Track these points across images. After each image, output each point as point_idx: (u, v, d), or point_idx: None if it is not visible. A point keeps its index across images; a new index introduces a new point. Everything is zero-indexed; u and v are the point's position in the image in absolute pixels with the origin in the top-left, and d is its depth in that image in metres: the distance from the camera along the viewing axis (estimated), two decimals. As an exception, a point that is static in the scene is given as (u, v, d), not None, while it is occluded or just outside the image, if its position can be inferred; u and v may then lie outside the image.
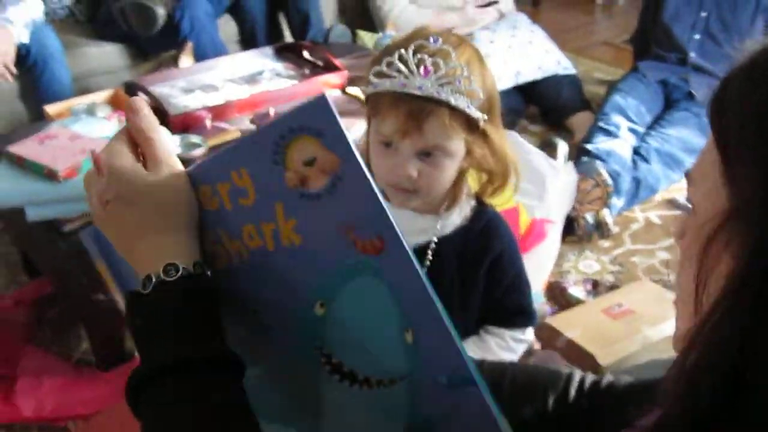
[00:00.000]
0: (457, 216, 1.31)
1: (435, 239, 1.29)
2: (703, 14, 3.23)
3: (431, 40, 1.15)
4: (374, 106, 1.20)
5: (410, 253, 0.69)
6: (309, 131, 0.67)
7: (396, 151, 1.18)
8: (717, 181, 0.61)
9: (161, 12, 3.03)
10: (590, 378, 0.99)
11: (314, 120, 0.67)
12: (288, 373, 0.80)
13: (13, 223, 2.38)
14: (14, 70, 2.83)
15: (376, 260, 0.69)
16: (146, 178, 0.71)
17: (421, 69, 1.12)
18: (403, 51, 1.14)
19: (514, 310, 1.38)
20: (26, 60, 2.94)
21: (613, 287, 2.43)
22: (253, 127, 2.38)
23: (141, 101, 0.74)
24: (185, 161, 2.26)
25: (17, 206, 1.95)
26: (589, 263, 2.61)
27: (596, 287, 2.40)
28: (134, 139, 0.73)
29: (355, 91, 2.63)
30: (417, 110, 1.14)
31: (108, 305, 2.07)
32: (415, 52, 1.13)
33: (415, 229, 1.30)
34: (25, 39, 2.88)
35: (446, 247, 1.30)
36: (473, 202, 1.33)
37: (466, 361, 0.69)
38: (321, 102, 0.66)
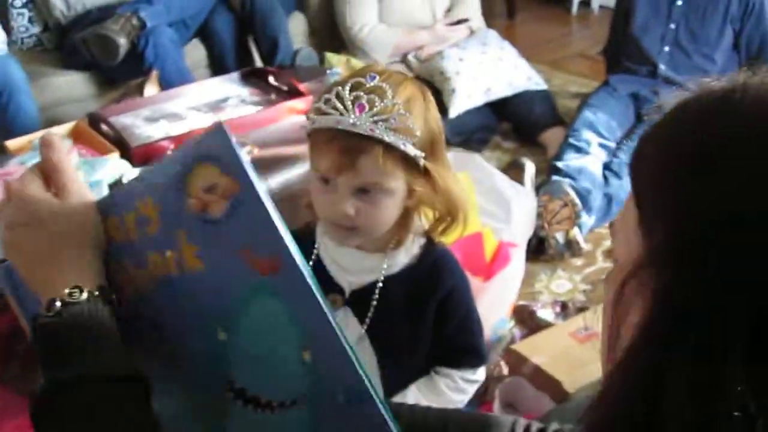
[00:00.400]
0: (404, 255, 1.29)
1: (381, 278, 1.28)
2: (672, 26, 3.23)
3: (368, 77, 1.14)
4: (313, 142, 1.20)
5: (306, 271, 0.71)
6: (209, 159, 0.71)
7: (334, 188, 1.18)
8: (633, 232, 0.62)
9: (122, 42, 3.01)
10: (535, 426, 0.99)
11: (213, 148, 0.70)
12: (193, 403, 0.81)
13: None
14: None
15: (273, 280, 0.72)
16: (53, 205, 0.74)
17: (356, 106, 1.12)
18: (340, 88, 1.14)
19: (463, 350, 1.35)
20: (-10, 93, 2.92)
21: (582, 308, 2.41)
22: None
23: (54, 136, 0.78)
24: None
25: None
26: (561, 282, 2.60)
27: (565, 309, 2.38)
28: (46, 172, 0.76)
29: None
30: (350, 147, 1.13)
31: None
32: (351, 90, 1.13)
33: (361, 268, 1.29)
34: None
35: (393, 287, 1.28)
36: (422, 241, 1.31)
37: (363, 377, 0.71)
38: (218, 130, 0.70)
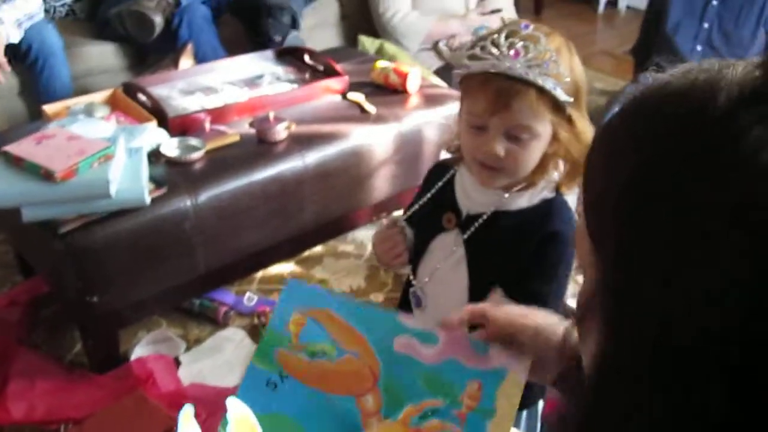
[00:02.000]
0: (527, 200, 1.32)
1: (491, 210, 1.32)
2: (706, 25, 3.23)
3: (523, 25, 1.20)
4: (466, 87, 1.27)
5: None
6: None
7: (485, 131, 1.24)
8: (588, 248, 0.58)
9: (158, 20, 3.00)
10: None
11: None
12: None
13: (9, 223, 2.36)
14: (7, 67, 2.79)
15: None
16: None
17: (512, 51, 1.18)
18: (496, 35, 1.20)
19: (532, 298, 1.24)
20: (27, 56, 2.92)
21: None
22: (252, 130, 2.37)
23: None
24: (183, 164, 2.21)
25: (13, 206, 1.92)
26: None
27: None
28: None
29: (355, 96, 2.61)
30: (506, 89, 1.19)
31: (103, 308, 2.06)
32: (506, 37, 1.19)
33: (483, 199, 1.34)
34: (15, 38, 2.84)
35: (504, 221, 1.32)
36: (549, 194, 1.33)
37: None
38: None
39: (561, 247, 1.31)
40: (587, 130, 1.26)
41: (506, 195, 1.32)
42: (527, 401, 1.41)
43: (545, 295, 1.31)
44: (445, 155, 1.48)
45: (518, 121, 1.21)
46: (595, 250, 0.56)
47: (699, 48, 3.23)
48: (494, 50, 1.19)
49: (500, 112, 1.21)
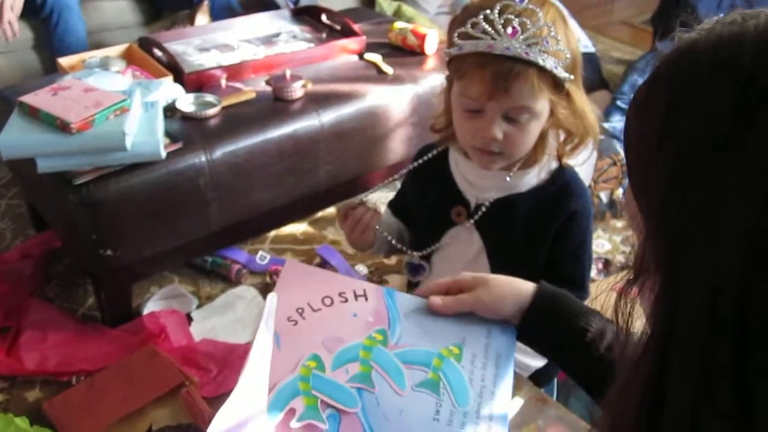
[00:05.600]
0: (535, 177, 1.28)
1: (503, 195, 1.27)
2: (729, -6, 3.18)
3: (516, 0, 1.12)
4: (458, 68, 1.18)
5: None
6: None
7: (481, 114, 1.18)
8: (633, 205, 0.60)
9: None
10: None
11: None
12: None
13: (24, 174, 2.36)
14: (17, 27, 2.78)
15: None
16: None
17: (509, 29, 1.10)
18: (488, 11, 1.11)
19: (567, 279, 1.28)
20: (41, 10, 2.89)
21: (624, 268, 2.41)
22: (268, 88, 2.35)
23: None
24: (198, 119, 2.19)
25: (28, 157, 1.92)
26: (601, 242, 2.59)
27: (608, 267, 2.37)
28: None
29: (372, 57, 2.59)
30: (505, 71, 1.11)
31: (116, 261, 2.06)
32: (500, 13, 1.11)
33: (489, 185, 1.29)
34: None
35: (518, 205, 1.28)
36: (554, 165, 1.29)
37: None
38: None
39: (584, 223, 1.29)
40: (585, 104, 1.21)
41: (509, 176, 1.27)
42: (543, 379, 1.40)
43: (583, 277, 1.31)
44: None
45: (518, 103, 1.15)
46: (640, 212, 0.57)
47: (722, 16, 3.19)
48: (488, 28, 1.10)
49: (498, 95, 1.14)
